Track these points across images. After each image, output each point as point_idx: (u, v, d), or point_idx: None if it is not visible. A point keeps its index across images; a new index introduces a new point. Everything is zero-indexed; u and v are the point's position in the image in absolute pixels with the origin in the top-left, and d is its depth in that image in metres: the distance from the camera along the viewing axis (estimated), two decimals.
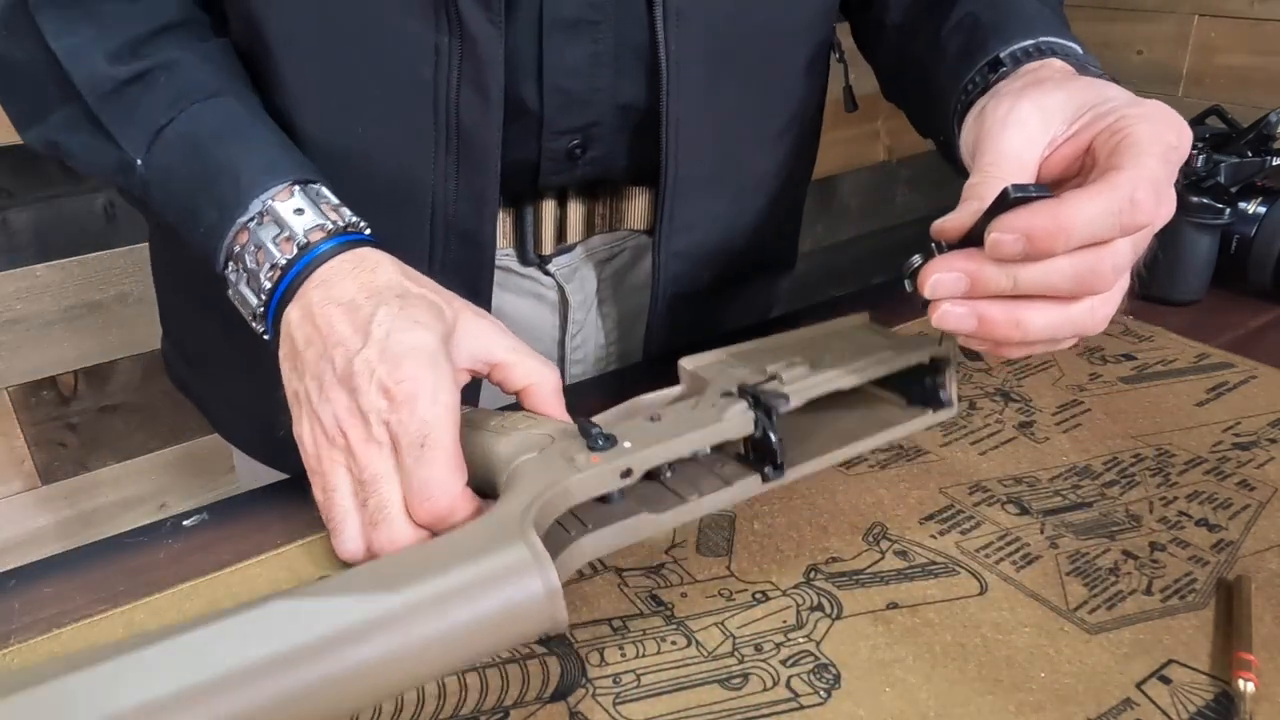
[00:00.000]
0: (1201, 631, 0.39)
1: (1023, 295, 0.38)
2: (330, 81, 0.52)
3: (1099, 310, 0.39)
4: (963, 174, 0.51)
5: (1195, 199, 0.67)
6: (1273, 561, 0.43)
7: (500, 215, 0.61)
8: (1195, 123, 0.73)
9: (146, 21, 0.51)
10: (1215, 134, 0.71)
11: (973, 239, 0.38)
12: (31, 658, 0.39)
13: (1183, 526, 0.46)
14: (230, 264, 0.47)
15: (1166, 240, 0.68)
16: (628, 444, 0.39)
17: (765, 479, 0.41)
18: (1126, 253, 0.38)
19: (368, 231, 0.47)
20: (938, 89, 0.56)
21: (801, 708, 0.36)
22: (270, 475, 0.59)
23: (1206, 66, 1.69)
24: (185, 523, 0.47)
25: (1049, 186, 0.39)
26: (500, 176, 0.55)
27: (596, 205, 0.64)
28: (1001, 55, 0.51)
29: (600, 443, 0.39)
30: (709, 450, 0.43)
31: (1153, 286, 0.70)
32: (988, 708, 0.36)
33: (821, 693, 0.37)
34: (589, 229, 0.64)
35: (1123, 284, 0.39)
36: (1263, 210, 0.68)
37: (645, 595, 0.42)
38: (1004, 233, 0.36)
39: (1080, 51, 0.51)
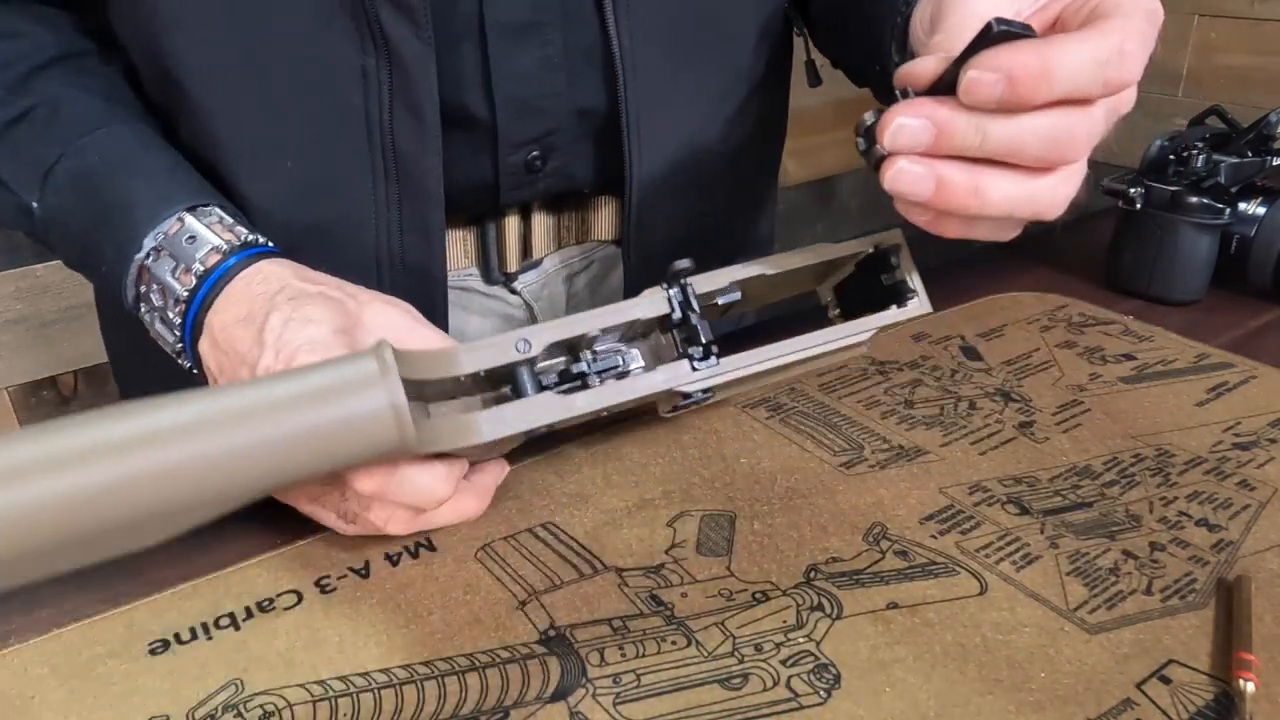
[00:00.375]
0: (1202, 631, 0.39)
1: (985, 160, 0.35)
2: (253, 117, 0.49)
3: (1060, 189, 0.36)
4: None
5: (1195, 199, 0.67)
6: (1273, 561, 0.43)
7: (462, 234, 0.59)
8: (1195, 123, 0.73)
9: (27, 60, 0.49)
10: (1215, 134, 0.71)
11: (940, 90, 0.35)
12: (31, 658, 0.39)
13: (1183, 526, 0.46)
14: (141, 304, 0.46)
15: (1166, 240, 0.68)
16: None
17: (694, 366, 0.40)
18: (1101, 121, 0.35)
19: (267, 244, 0.46)
20: (866, 17, 0.54)
21: (801, 708, 0.36)
22: None
23: (1206, 66, 1.69)
24: None
25: None
26: (456, 199, 0.53)
27: (562, 218, 0.62)
28: None
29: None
30: (639, 362, 0.42)
31: (1153, 286, 0.70)
32: (988, 708, 0.36)
33: (821, 693, 0.37)
34: (555, 243, 0.62)
35: (1084, 165, 0.37)
36: (1263, 210, 0.68)
37: (645, 595, 0.42)
38: (984, 70, 0.32)
39: None
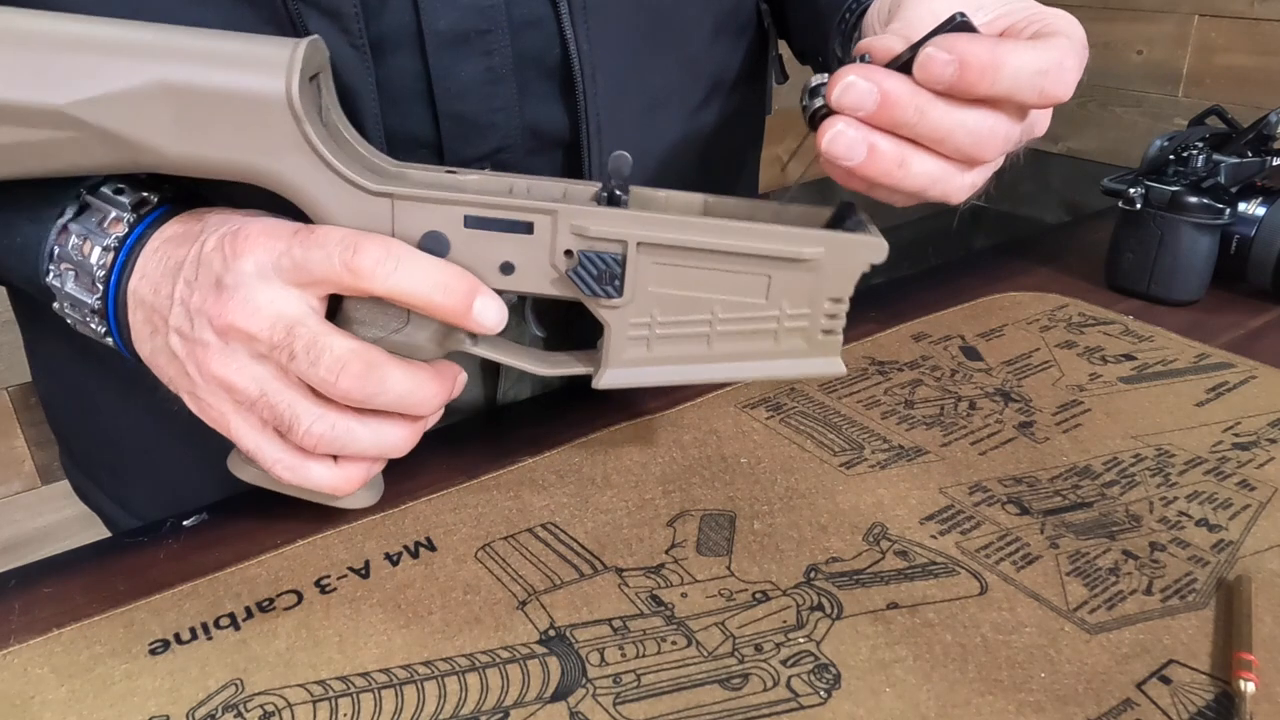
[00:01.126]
0: (1202, 631, 0.39)
1: (911, 140, 0.37)
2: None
3: (969, 179, 0.39)
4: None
5: (1195, 199, 0.67)
6: (1273, 561, 0.43)
7: None
8: (1195, 123, 0.73)
9: None
10: (1215, 134, 0.71)
11: (892, 67, 0.38)
12: (31, 658, 0.39)
13: (1183, 526, 0.46)
14: (53, 268, 0.43)
15: (1166, 240, 0.68)
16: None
17: (599, 202, 0.40)
18: (1018, 131, 0.38)
19: (159, 200, 0.43)
20: (818, 14, 0.55)
21: (801, 708, 0.36)
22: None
23: (1206, 66, 1.69)
24: (185, 523, 0.47)
25: None
26: None
27: None
28: None
29: None
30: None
31: (1153, 286, 0.70)
32: (988, 708, 0.36)
33: (821, 693, 0.37)
34: None
35: (991, 168, 0.40)
36: (1263, 210, 0.68)
37: (645, 595, 0.42)
38: (940, 49, 0.35)
39: None
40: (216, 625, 0.41)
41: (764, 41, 0.63)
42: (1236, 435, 0.53)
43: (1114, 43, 1.83)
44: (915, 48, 0.37)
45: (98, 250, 0.42)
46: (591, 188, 0.43)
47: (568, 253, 0.40)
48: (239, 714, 0.36)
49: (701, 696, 0.37)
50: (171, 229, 0.42)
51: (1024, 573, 0.43)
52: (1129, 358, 0.62)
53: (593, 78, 0.49)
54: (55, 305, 0.44)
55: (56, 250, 0.42)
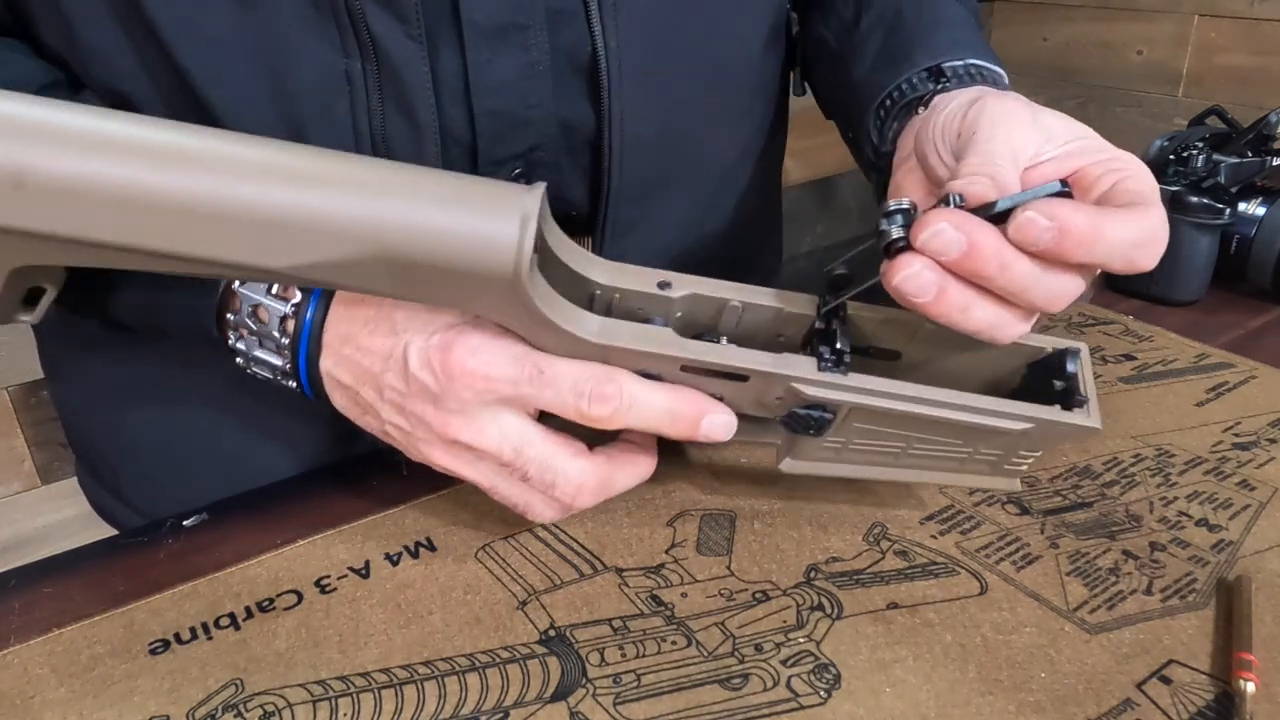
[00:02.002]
0: (1202, 631, 0.39)
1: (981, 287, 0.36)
2: (251, 125, 0.45)
3: (1020, 327, 0.38)
4: (872, 170, 0.53)
5: (1195, 199, 0.67)
6: (1273, 561, 0.43)
7: None
8: (1195, 123, 0.73)
9: (24, 86, 0.43)
10: (1215, 134, 0.71)
11: (977, 211, 0.36)
12: (31, 658, 0.39)
13: (1183, 526, 0.46)
14: (232, 334, 0.43)
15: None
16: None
17: (821, 366, 0.38)
18: (1084, 290, 0.38)
19: None
20: (852, 84, 0.54)
21: (801, 708, 0.36)
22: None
23: (1206, 66, 1.69)
24: (185, 523, 0.47)
25: None
26: None
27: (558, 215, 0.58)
28: (944, 66, 0.49)
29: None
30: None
31: (1153, 286, 0.70)
32: (988, 708, 0.36)
33: (821, 693, 0.37)
34: None
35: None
36: (1263, 210, 0.68)
37: (645, 595, 0.42)
38: (1041, 215, 0.34)
39: (1006, 81, 0.51)
40: (216, 625, 0.41)
41: (791, 56, 0.64)
42: (1236, 435, 0.53)
43: (1114, 43, 1.84)
44: (1011, 204, 0.35)
45: (276, 317, 0.42)
46: (809, 310, 0.40)
47: (780, 399, 0.39)
48: (239, 714, 0.36)
49: (701, 696, 0.37)
50: (344, 313, 0.41)
51: (1024, 573, 0.43)
52: (1129, 358, 0.62)
53: (619, 73, 0.49)
54: (237, 361, 0.44)
55: (230, 317, 0.43)
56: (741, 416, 0.41)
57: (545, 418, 0.40)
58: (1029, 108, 0.42)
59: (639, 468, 0.42)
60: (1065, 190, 0.35)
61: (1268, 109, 0.71)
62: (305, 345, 0.41)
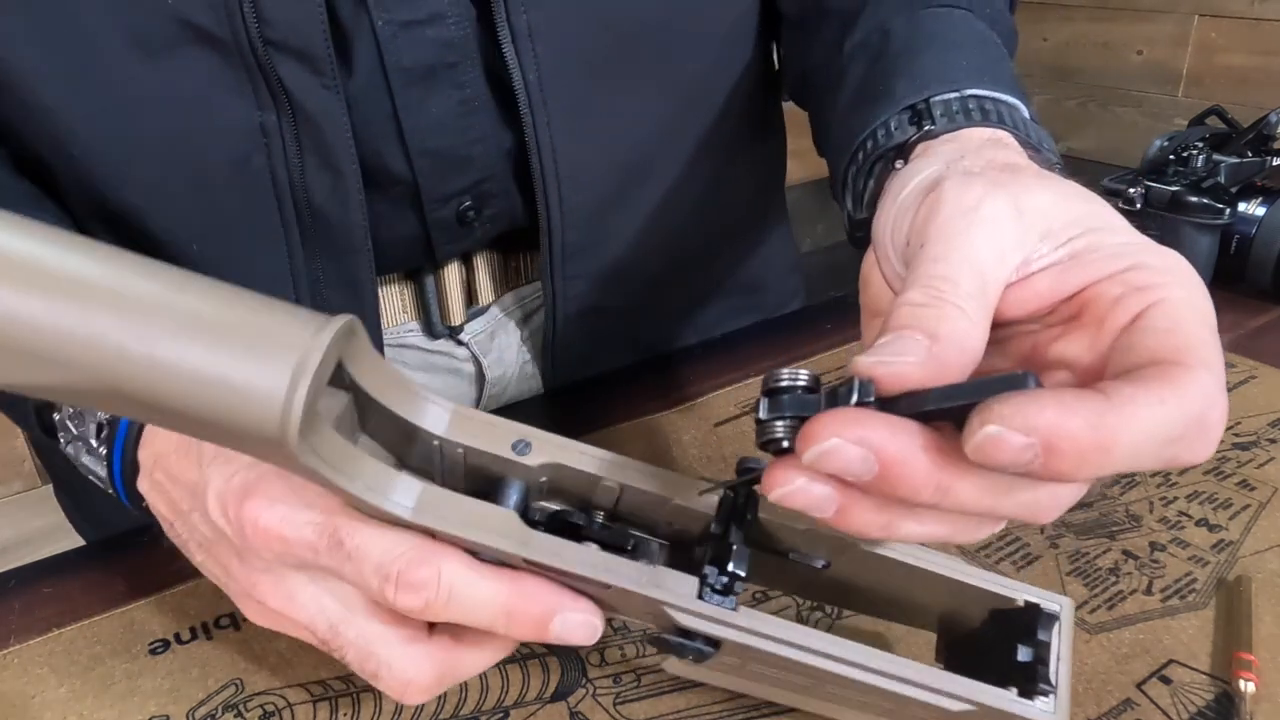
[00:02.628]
0: (1202, 631, 0.39)
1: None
2: (142, 196, 0.44)
3: (985, 530, 0.27)
4: (852, 241, 0.40)
5: (1195, 199, 0.67)
6: (1273, 561, 0.43)
7: (397, 287, 0.54)
8: (1195, 123, 0.73)
9: None
10: (1215, 134, 0.71)
11: (903, 403, 0.24)
12: (32, 657, 0.39)
13: (1183, 526, 0.46)
14: (61, 436, 0.39)
15: (1166, 240, 0.68)
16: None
17: (702, 594, 0.28)
18: (1079, 497, 0.26)
19: None
20: (830, 118, 0.44)
21: (801, 708, 0.36)
22: None
23: (1206, 66, 1.69)
24: None
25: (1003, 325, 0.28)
26: (386, 255, 0.48)
27: (509, 258, 0.56)
28: (932, 102, 0.37)
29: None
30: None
31: None
32: None
33: None
34: (504, 285, 0.57)
35: None
36: (1263, 210, 0.68)
37: None
38: (1012, 429, 0.22)
39: (1026, 113, 0.37)
40: (216, 625, 0.41)
41: (766, 57, 0.59)
42: (1236, 435, 0.53)
43: (1114, 43, 1.84)
44: (953, 396, 0.24)
45: (91, 423, 0.37)
46: (708, 503, 0.30)
47: (650, 613, 0.30)
48: (239, 714, 0.36)
49: (701, 696, 0.37)
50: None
51: (1024, 572, 0.43)
52: None
53: (541, 105, 0.46)
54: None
55: (55, 417, 0.39)
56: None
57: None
58: (1009, 191, 0.28)
59: (488, 652, 0.32)
60: (1037, 388, 0.23)
61: (1268, 109, 0.71)
62: (119, 461, 0.37)
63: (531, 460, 0.29)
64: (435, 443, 0.29)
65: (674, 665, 0.35)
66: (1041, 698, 0.29)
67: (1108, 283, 0.27)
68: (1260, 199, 0.68)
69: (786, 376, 0.25)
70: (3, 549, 1.38)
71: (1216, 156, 0.68)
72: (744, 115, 0.57)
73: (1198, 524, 0.46)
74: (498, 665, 0.38)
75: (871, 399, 0.24)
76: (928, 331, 0.25)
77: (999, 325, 0.28)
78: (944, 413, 0.24)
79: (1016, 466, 0.22)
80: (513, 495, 0.30)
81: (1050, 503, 0.25)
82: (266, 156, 0.44)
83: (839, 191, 0.41)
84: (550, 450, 0.29)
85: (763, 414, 0.25)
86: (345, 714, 0.36)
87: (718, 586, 0.28)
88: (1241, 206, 0.68)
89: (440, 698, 0.37)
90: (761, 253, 0.67)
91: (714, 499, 0.30)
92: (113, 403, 0.24)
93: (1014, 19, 0.47)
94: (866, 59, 0.43)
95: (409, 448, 0.29)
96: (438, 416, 0.29)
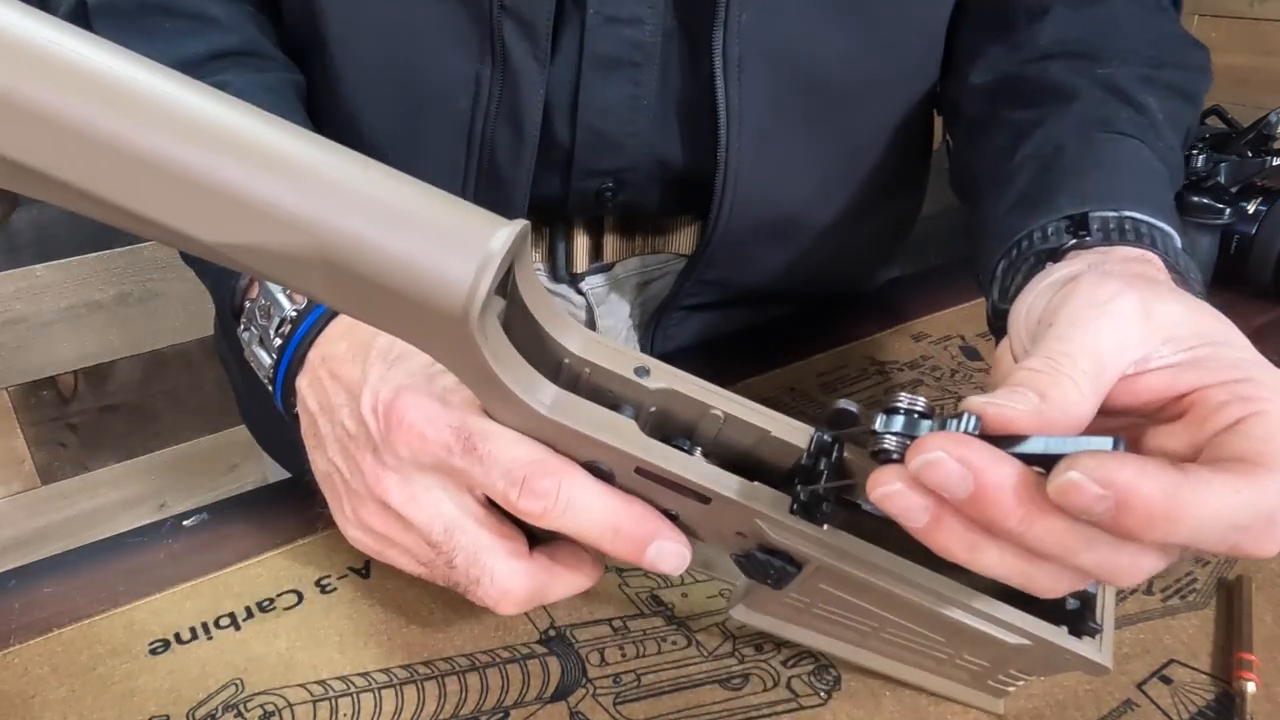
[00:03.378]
0: (1202, 631, 0.39)
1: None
2: (371, 104, 0.52)
3: (1062, 587, 0.28)
4: (992, 330, 0.43)
5: (1195, 199, 0.67)
6: (1273, 561, 0.43)
7: (533, 230, 0.59)
8: None
9: (203, 45, 0.49)
10: (1215, 134, 0.71)
11: (1007, 440, 0.27)
12: (32, 658, 0.39)
13: None
14: (242, 320, 0.42)
15: None
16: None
17: (794, 508, 0.31)
18: (1161, 567, 0.27)
19: None
20: (990, 214, 0.46)
21: (801, 708, 0.36)
22: None
23: None
24: (185, 523, 0.47)
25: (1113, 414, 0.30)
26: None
27: (636, 232, 0.62)
28: (1091, 216, 0.39)
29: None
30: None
31: None
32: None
33: (821, 694, 0.37)
34: (628, 251, 0.62)
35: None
36: (1263, 210, 0.68)
37: (645, 595, 0.42)
38: (1092, 479, 0.24)
39: (1179, 243, 0.40)
40: (216, 625, 0.41)
41: (930, 125, 0.63)
42: None
43: None
44: (1049, 445, 0.26)
45: (278, 318, 0.40)
46: (799, 429, 0.33)
47: (740, 534, 0.33)
48: (239, 714, 0.36)
49: (701, 696, 0.37)
50: (338, 332, 0.38)
51: None
52: None
53: (739, 132, 0.52)
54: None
55: (247, 304, 0.43)
56: (699, 542, 0.35)
57: None
58: (1141, 295, 0.31)
59: (579, 578, 0.36)
60: (1125, 452, 0.25)
61: (1268, 109, 0.71)
62: (290, 355, 0.40)
63: (650, 384, 0.32)
64: (566, 360, 0.32)
65: (741, 613, 0.37)
66: (1089, 638, 0.32)
67: (1217, 389, 0.28)
68: (1260, 199, 0.68)
69: (905, 400, 0.28)
70: (3, 549, 1.38)
71: (1216, 156, 0.68)
72: (897, 172, 0.62)
73: None
74: (498, 665, 0.38)
75: (976, 432, 0.27)
76: (1039, 391, 0.27)
77: (1108, 411, 0.29)
78: (1038, 458, 0.26)
79: (1091, 515, 0.24)
80: (627, 410, 0.33)
81: (1130, 566, 0.27)
82: (472, 103, 0.50)
83: (986, 281, 0.44)
84: (667, 377, 0.32)
85: (879, 426, 0.28)
86: (345, 714, 0.36)
87: (807, 504, 0.31)
88: (1241, 206, 0.68)
89: (440, 698, 0.37)
90: (871, 285, 0.74)
91: (806, 438, 0.32)
92: (319, 275, 0.27)
93: (1181, 155, 0.49)
94: (1035, 168, 0.45)
95: (538, 361, 0.32)
96: (575, 335, 0.32)
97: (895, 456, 0.27)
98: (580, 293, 0.62)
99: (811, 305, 0.68)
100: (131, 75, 0.26)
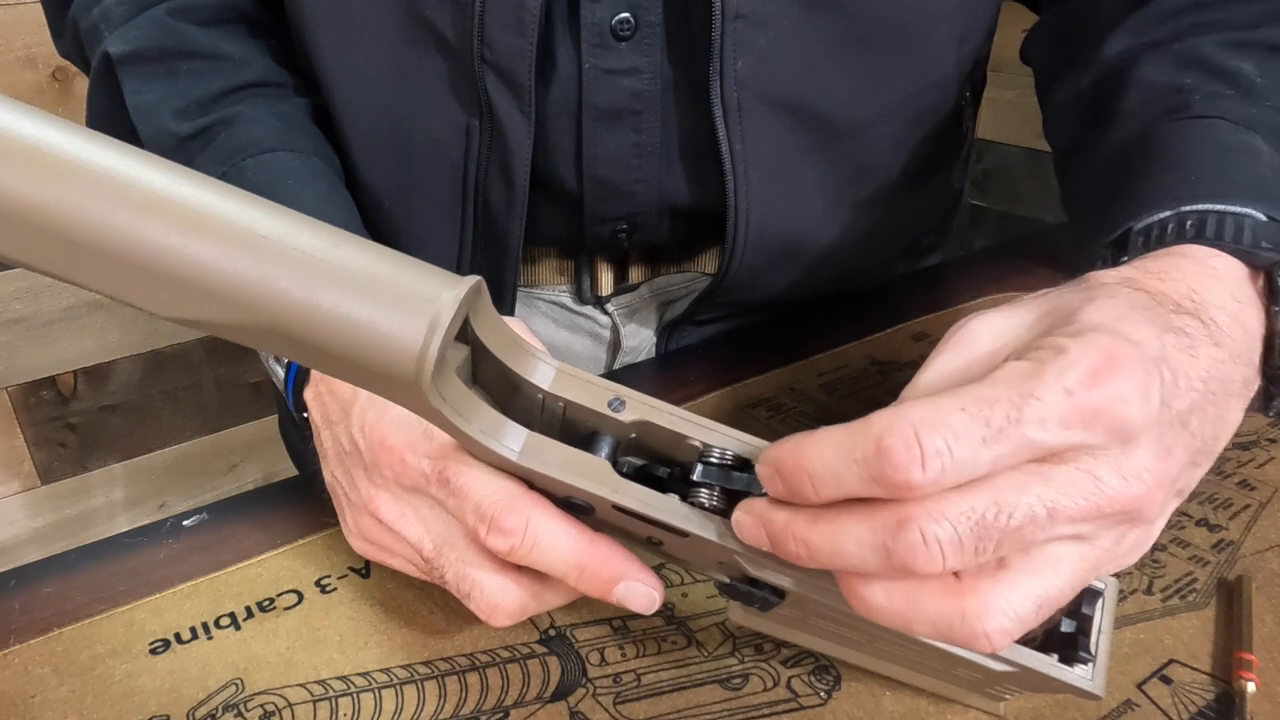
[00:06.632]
0: (1202, 631, 0.39)
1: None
2: (367, 153, 0.53)
3: (974, 606, 0.26)
4: None
5: None
6: (1273, 561, 0.43)
7: (558, 262, 0.62)
8: None
9: (222, 81, 0.51)
10: None
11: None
12: (32, 657, 0.39)
13: (1183, 526, 0.46)
14: None
15: None
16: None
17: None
18: (963, 521, 0.25)
19: None
20: (1076, 214, 0.47)
21: (801, 708, 0.36)
22: None
23: None
24: (185, 523, 0.47)
25: None
26: (546, 245, 0.56)
27: (659, 261, 0.63)
28: (1134, 229, 0.39)
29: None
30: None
31: None
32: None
33: (821, 694, 0.37)
34: (652, 273, 0.63)
35: (1020, 585, 0.27)
36: None
37: None
38: (764, 461, 0.28)
39: (1253, 217, 0.37)
40: (216, 625, 0.41)
41: (960, 137, 0.63)
42: (1237, 435, 0.53)
43: None
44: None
45: None
46: None
47: (722, 562, 0.33)
48: (239, 714, 0.36)
49: (701, 696, 0.37)
50: None
51: None
52: None
53: (745, 173, 0.52)
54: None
55: None
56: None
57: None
58: (1002, 311, 0.34)
59: (570, 590, 0.36)
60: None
61: None
62: (295, 369, 0.42)
63: (625, 416, 0.32)
64: (539, 396, 0.32)
65: (738, 615, 0.37)
66: (1080, 665, 0.31)
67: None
68: None
69: (716, 453, 0.31)
70: (3, 549, 1.38)
71: None
72: (913, 192, 0.62)
73: (1198, 524, 0.46)
74: (498, 665, 0.38)
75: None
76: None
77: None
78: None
79: (778, 492, 0.28)
80: (604, 449, 0.32)
81: (901, 546, 0.25)
82: (464, 153, 0.52)
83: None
84: (642, 409, 0.32)
85: (697, 476, 0.31)
86: (345, 714, 0.36)
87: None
88: None
89: (440, 698, 0.37)
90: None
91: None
92: (273, 341, 0.27)
93: None
94: (1096, 197, 0.46)
95: (513, 399, 0.32)
96: (545, 372, 0.32)
97: (708, 506, 0.30)
98: (606, 313, 0.64)
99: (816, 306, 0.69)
100: (65, 148, 0.26)
